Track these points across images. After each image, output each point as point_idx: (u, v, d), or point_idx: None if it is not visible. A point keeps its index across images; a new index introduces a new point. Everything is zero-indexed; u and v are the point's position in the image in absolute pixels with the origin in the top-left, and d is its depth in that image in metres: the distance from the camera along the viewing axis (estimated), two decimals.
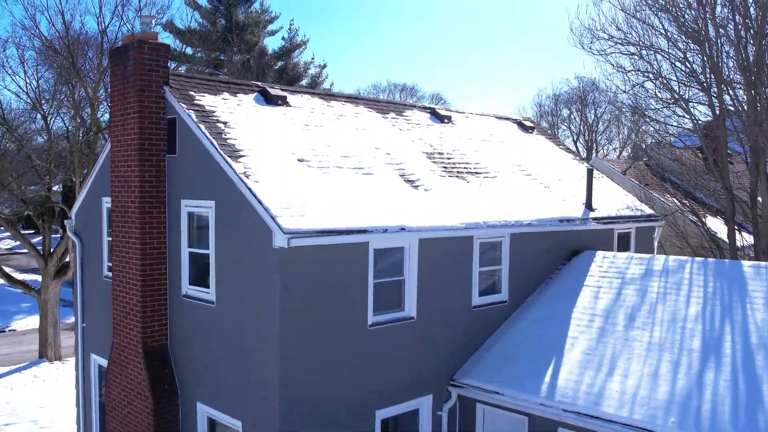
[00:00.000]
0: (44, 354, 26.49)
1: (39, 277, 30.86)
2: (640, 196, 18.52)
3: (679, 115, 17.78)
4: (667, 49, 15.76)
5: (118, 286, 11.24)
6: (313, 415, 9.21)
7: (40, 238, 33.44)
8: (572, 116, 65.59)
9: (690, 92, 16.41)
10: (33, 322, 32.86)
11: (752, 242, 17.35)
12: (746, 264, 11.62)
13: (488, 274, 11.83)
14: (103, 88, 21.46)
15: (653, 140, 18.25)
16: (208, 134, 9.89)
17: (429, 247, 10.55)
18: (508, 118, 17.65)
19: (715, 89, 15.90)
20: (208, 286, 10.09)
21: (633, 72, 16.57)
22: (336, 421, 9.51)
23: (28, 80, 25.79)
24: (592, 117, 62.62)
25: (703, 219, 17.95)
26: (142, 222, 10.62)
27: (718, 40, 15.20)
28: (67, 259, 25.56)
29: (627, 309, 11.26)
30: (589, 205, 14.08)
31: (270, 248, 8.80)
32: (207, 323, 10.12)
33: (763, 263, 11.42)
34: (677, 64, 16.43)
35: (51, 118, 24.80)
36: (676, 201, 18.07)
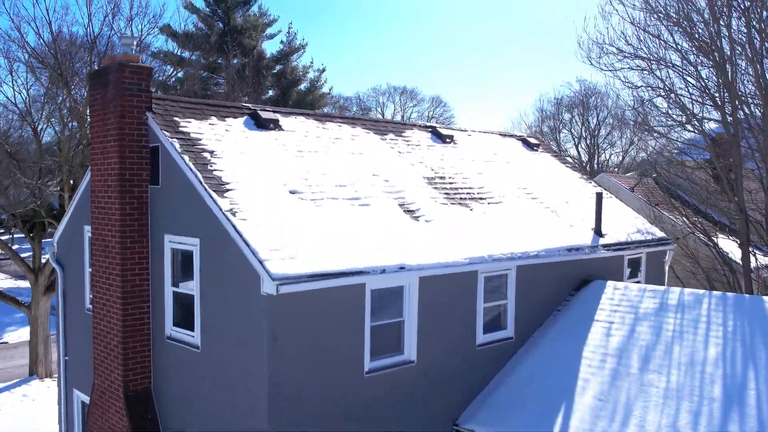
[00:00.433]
0: (35, 371, 25.81)
1: None
2: (650, 216, 17.81)
3: (690, 130, 17.09)
4: (680, 65, 15.07)
5: (98, 324, 10.54)
6: None
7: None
8: (574, 120, 64.95)
9: (703, 110, 15.72)
10: (26, 333, 32.17)
11: (767, 264, 16.65)
12: None
13: (493, 309, 11.14)
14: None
15: (662, 157, 17.55)
16: (192, 166, 9.19)
17: (430, 285, 9.85)
18: (512, 135, 16.94)
19: (729, 106, 15.19)
20: (193, 329, 9.39)
21: (643, 87, 15.87)
22: None
23: (18, 89, 25.08)
24: (594, 121, 61.96)
25: (715, 239, 17.24)
26: (123, 258, 9.92)
27: (734, 56, 14.49)
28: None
29: (641, 349, 10.55)
30: (598, 231, 13.37)
31: (258, 294, 8.11)
32: (192, 368, 9.42)
33: None
34: (689, 79, 15.73)
35: (41, 129, 24.11)
36: (686, 221, 17.36)
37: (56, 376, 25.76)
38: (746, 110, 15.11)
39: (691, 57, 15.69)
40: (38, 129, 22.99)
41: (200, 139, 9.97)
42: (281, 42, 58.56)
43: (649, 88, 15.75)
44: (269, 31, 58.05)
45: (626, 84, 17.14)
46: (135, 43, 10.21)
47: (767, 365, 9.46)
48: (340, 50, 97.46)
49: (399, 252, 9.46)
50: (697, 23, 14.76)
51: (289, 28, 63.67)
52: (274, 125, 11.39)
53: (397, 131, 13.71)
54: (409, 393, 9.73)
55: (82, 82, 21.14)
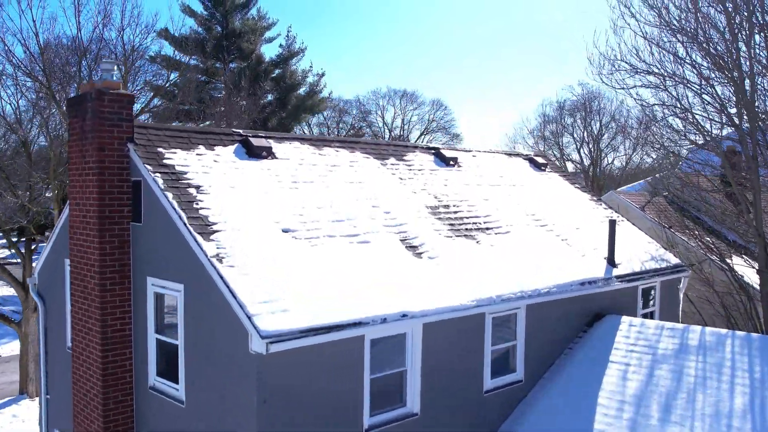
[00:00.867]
0: (25, 390, 25.09)
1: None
2: (662, 237, 17.06)
3: (704, 148, 16.32)
4: (697, 82, 14.29)
5: (78, 369, 9.81)
6: None
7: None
8: (576, 124, 64.22)
9: (722, 129, 14.94)
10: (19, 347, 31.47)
11: None
12: None
13: (501, 350, 10.40)
14: None
15: (674, 176, 16.80)
16: (176, 205, 8.45)
17: (435, 330, 9.11)
18: (518, 154, 16.19)
19: (747, 125, 14.43)
20: (177, 381, 8.65)
21: (657, 106, 15.11)
22: None
23: (7, 100, 24.29)
24: (597, 126, 61.22)
25: (730, 262, 16.48)
26: (103, 300, 9.18)
27: (753, 73, 13.73)
28: None
29: (661, 396, 9.81)
30: (611, 261, 12.62)
31: (246, 351, 7.37)
32: (176, 423, 8.68)
33: None
34: (705, 97, 14.97)
35: (31, 140, 23.36)
36: (701, 243, 16.60)
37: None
38: (763, 126, 14.35)
39: (707, 72, 14.94)
40: (28, 141, 22.24)
41: (186, 173, 9.23)
42: (280, 46, 57.78)
43: (664, 106, 14.98)
44: (268, 34, 57.30)
45: (639, 102, 16.38)
46: (116, 68, 9.46)
47: None
48: (340, 52, 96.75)
49: (401, 296, 8.72)
50: (716, 39, 14.00)
51: (288, 31, 62.93)
52: (267, 153, 10.64)
53: (399, 155, 12.97)
54: None
55: (71, 94, 20.40)
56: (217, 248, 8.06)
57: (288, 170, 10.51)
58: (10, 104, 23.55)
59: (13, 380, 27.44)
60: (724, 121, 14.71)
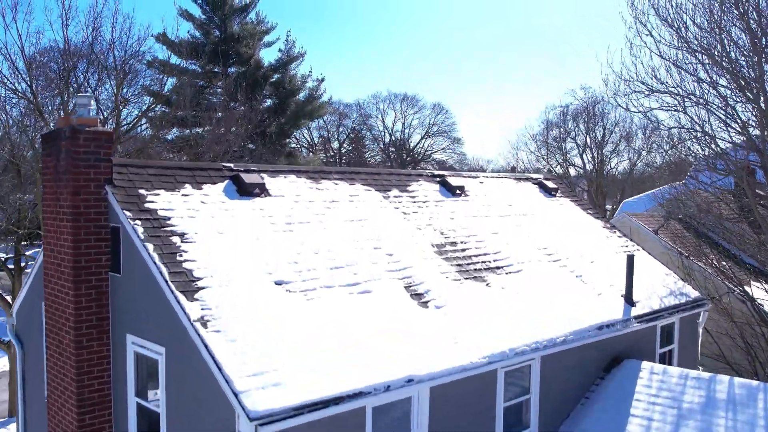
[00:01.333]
0: (14, 413, 24.26)
1: None
2: (677, 263, 16.24)
3: (722, 171, 15.51)
4: (718, 104, 13.49)
5: (53, 431, 8.99)
6: None
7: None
8: (578, 129, 63.50)
9: (743, 155, 14.15)
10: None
11: None
12: None
13: (514, 405, 9.58)
14: None
15: (690, 200, 16.01)
16: (157, 258, 7.63)
17: (443, 391, 8.29)
18: (528, 178, 15.37)
19: None
20: None
21: (676, 129, 14.32)
22: None
23: None
24: (600, 131, 60.47)
25: (750, 289, 15.67)
26: (79, 358, 8.36)
27: None
28: None
29: None
30: (629, 299, 11.81)
31: (233, 431, 6.56)
32: None
33: None
34: (724, 118, 14.16)
35: (20, 156, 22.52)
36: (719, 272, 15.78)
37: None
38: None
39: (725, 91, 14.13)
40: (16, 157, 21.41)
41: (170, 218, 8.41)
42: (279, 50, 56.95)
43: (683, 129, 14.17)
44: (267, 38, 56.43)
45: (654, 124, 15.59)
46: (92, 101, 8.64)
47: None
48: (340, 56, 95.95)
49: (406, 356, 7.90)
50: (737, 59, 13.19)
51: (287, 35, 62.07)
52: (260, 190, 9.82)
53: (402, 185, 12.14)
54: None
55: (60, 110, 19.60)
56: (202, 309, 7.24)
57: (282, 210, 9.68)
58: None
59: (4, 399, 26.65)
60: (745, 144, 13.89)
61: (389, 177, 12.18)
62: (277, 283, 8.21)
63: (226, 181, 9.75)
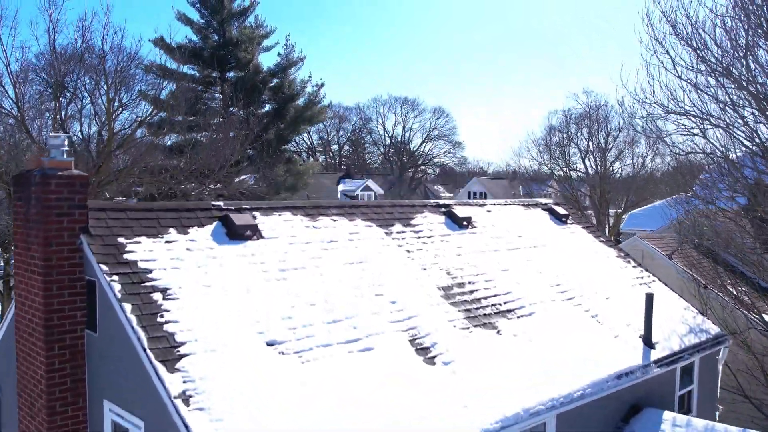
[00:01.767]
0: None
1: None
2: (693, 292, 15.47)
3: (739, 193, 14.73)
4: (744, 130, 12.72)
5: None
6: None
7: None
8: (581, 133, 62.82)
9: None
10: None
11: None
12: None
13: None
14: None
15: (706, 224, 15.25)
16: (134, 321, 6.87)
17: None
18: (537, 204, 14.59)
19: None
20: None
21: (695, 153, 13.55)
22: None
23: None
24: (603, 136, 59.73)
25: None
26: (51, 426, 7.60)
27: None
28: None
29: None
30: (648, 341, 11.05)
31: None
32: None
33: None
34: (745, 142, 13.40)
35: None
36: (738, 303, 15.00)
37: None
38: None
39: (750, 115, 13.36)
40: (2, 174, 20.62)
41: (151, 271, 7.64)
42: (279, 55, 56.17)
43: (702, 154, 13.39)
44: (266, 43, 55.64)
45: (672, 149, 14.82)
46: (66, 142, 7.87)
47: None
48: (339, 58, 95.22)
49: (409, 426, 7.14)
50: (760, 80, 12.41)
51: (286, 40, 61.10)
52: (252, 232, 9.05)
53: (405, 218, 11.36)
54: None
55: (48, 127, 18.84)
56: (184, 381, 6.48)
57: (276, 254, 8.91)
58: None
59: None
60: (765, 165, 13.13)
61: (392, 210, 11.41)
62: (269, 344, 7.44)
63: (215, 223, 8.98)
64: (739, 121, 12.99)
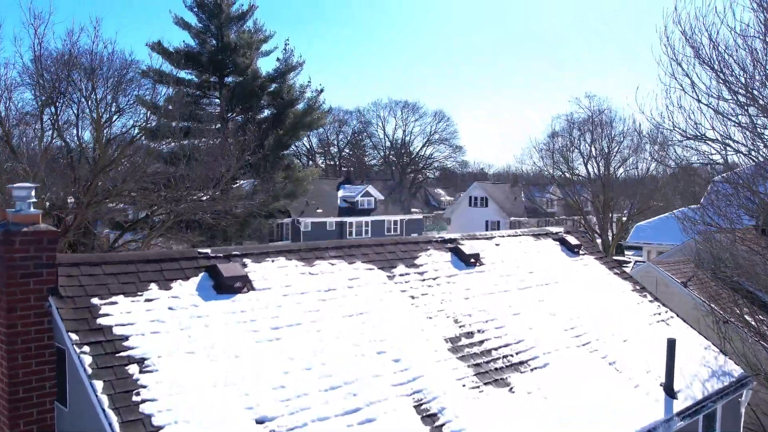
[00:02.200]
0: None
1: None
2: (710, 322, 14.69)
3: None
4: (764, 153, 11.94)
5: None
6: None
7: None
8: (583, 138, 62.17)
9: None
10: None
11: None
12: None
13: None
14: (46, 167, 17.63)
15: (724, 253, 14.49)
16: (106, 402, 6.10)
17: None
18: (547, 234, 13.79)
19: None
20: None
21: (716, 182, 12.77)
22: None
23: None
24: (606, 142, 59.04)
25: None
26: None
27: None
28: None
29: None
30: (670, 390, 10.29)
31: None
32: None
33: None
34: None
35: None
36: (757, 331, 14.24)
37: None
38: None
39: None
40: None
41: (127, 337, 6.86)
42: (277, 59, 55.42)
43: (723, 182, 12.62)
44: (265, 47, 54.89)
45: (692, 177, 14.04)
46: (33, 193, 7.08)
47: None
48: (339, 60, 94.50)
49: None
50: None
51: (285, 44, 60.37)
52: (242, 283, 8.26)
53: (409, 258, 10.57)
54: None
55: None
56: None
57: (268, 310, 8.12)
58: None
59: None
60: None
61: (394, 248, 10.61)
62: (259, 422, 6.66)
63: (202, 274, 8.19)
64: (764, 148, 12.21)
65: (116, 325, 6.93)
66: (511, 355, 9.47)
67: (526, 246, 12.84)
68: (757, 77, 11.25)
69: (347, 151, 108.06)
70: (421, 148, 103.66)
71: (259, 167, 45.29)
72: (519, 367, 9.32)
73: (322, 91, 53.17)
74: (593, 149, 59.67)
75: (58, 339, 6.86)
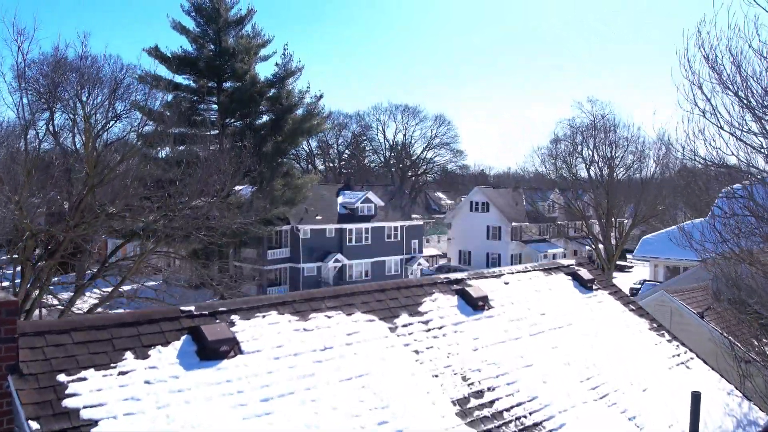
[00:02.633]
0: None
1: None
2: (728, 354, 13.92)
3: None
4: None
5: None
6: None
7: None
8: (585, 142, 61.51)
9: None
10: None
11: None
12: None
13: None
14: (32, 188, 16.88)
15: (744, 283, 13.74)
16: None
17: None
18: (559, 268, 13.01)
19: None
20: None
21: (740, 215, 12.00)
22: None
23: None
24: (608, 148, 58.34)
25: None
26: None
27: None
28: None
29: None
30: None
31: None
32: None
33: None
34: None
35: None
36: None
37: None
38: None
39: None
40: None
41: (97, 422, 6.07)
42: (276, 64, 54.71)
43: (747, 215, 11.85)
44: (263, 52, 54.19)
45: (715, 209, 13.26)
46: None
47: None
48: (338, 62, 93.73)
49: None
50: None
51: (284, 49, 59.62)
52: (229, 347, 7.48)
53: (413, 303, 9.78)
54: None
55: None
56: None
57: (257, 378, 7.33)
58: None
59: None
60: None
61: (396, 294, 9.82)
62: None
63: (184, 337, 7.40)
64: None
65: (84, 407, 6.14)
66: (525, 416, 8.68)
67: (536, 283, 12.05)
68: None
69: (348, 153, 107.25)
70: (421, 152, 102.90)
71: (256, 177, 44.44)
72: (533, 430, 8.54)
73: (321, 96, 52.48)
74: (596, 154, 58.98)
75: (18, 424, 6.07)
